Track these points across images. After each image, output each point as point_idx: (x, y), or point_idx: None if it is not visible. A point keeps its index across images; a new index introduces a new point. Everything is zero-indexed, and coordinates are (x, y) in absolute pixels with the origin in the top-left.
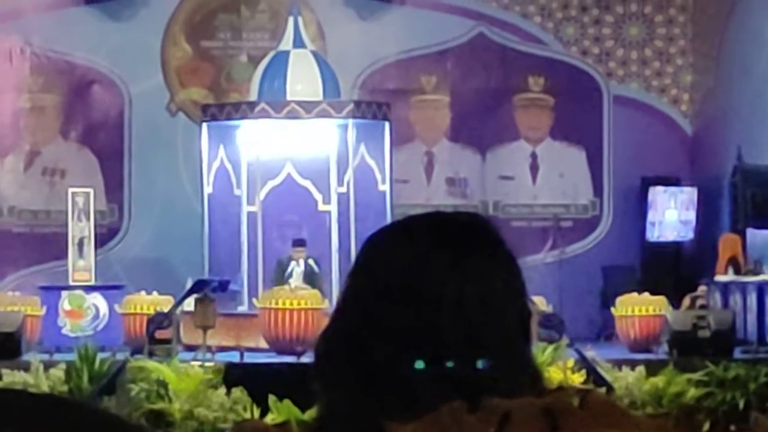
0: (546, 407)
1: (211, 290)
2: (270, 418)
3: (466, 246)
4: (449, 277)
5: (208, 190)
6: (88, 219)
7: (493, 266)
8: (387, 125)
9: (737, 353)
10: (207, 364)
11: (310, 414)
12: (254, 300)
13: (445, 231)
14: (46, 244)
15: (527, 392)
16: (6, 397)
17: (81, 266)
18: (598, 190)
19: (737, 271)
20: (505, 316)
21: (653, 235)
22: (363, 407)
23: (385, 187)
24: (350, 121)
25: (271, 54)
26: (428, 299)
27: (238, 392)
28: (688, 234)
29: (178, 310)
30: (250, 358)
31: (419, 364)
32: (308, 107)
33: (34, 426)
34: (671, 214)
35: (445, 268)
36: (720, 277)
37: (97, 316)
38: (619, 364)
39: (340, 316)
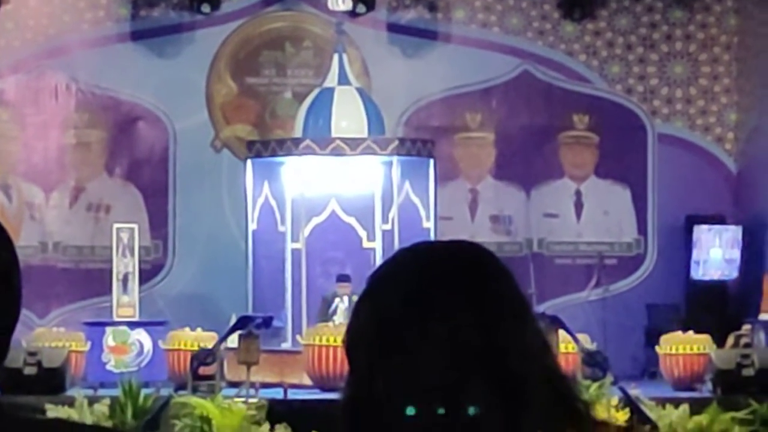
0: None
1: (255, 327)
2: None
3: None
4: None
5: (252, 226)
6: (133, 255)
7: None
8: (431, 162)
9: None
10: (250, 400)
11: None
12: (298, 336)
13: (439, 265)
14: (91, 280)
15: (570, 426)
16: (60, 427)
17: (125, 302)
18: (642, 228)
19: None
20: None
21: (698, 273)
22: None
23: (429, 225)
24: (395, 158)
25: (316, 91)
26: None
27: (281, 429)
28: (732, 272)
29: (222, 347)
30: (293, 395)
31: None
32: (353, 144)
33: None
34: (716, 253)
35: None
36: (764, 316)
37: (141, 352)
38: (663, 402)
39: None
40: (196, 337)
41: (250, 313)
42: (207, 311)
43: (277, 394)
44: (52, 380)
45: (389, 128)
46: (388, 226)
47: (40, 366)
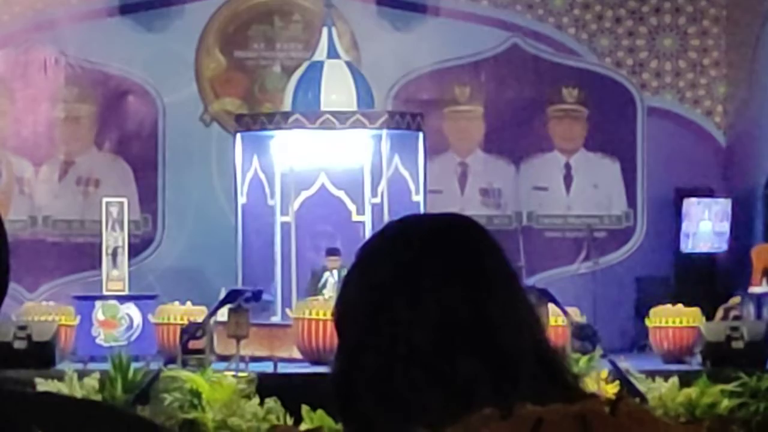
0: (578, 414)
1: (245, 300)
2: (303, 428)
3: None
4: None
5: (241, 200)
6: (122, 229)
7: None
8: (421, 136)
9: None
10: (240, 374)
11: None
12: (288, 310)
13: (434, 237)
14: (80, 254)
15: (559, 398)
16: (50, 401)
17: (115, 276)
18: (632, 201)
19: None
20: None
21: (687, 246)
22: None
23: (418, 198)
24: (384, 132)
25: (305, 64)
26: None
27: (271, 402)
28: (722, 245)
29: (212, 320)
30: (283, 369)
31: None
32: (342, 118)
33: (75, 428)
34: (705, 226)
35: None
36: (754, 289)
37: (130, 326)
38: (652, 374)
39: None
40: (185, 311)
41: (239, 286)
42: (196, 285)
43: (267, 367)
44: (41, 354)
45: (378, 102)
46: (377, 200)
47: (30, 340)
